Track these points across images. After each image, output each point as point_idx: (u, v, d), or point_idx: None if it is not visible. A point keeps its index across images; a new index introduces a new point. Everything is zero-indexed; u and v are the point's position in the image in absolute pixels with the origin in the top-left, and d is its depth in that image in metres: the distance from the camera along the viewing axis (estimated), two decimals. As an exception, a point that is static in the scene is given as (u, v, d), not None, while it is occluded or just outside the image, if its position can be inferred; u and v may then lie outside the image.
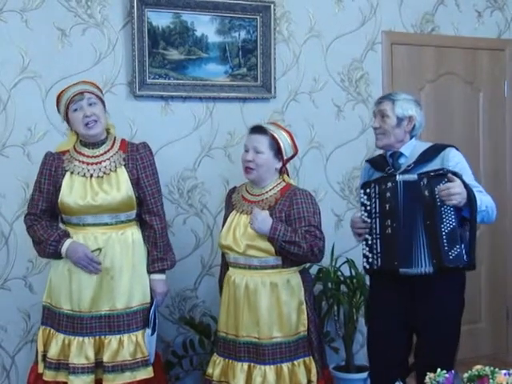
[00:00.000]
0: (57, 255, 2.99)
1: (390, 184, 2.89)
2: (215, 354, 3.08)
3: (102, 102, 3.06)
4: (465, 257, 2.82)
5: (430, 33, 4.37)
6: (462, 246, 2.81)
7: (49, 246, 2.98)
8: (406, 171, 2.93)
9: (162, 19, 3.70)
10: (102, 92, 3.14)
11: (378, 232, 2.92)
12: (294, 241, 2.86)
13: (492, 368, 1.99)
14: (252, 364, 2.94)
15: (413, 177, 2.86)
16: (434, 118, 4.33)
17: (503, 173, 4.66)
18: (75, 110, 2.98)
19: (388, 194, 2.88)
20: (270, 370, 2.90)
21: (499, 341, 4.67)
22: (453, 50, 4.43)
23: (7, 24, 3.46)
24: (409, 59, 4.33)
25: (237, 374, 2.93)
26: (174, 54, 3.74)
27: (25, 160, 3.52)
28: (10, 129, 3.50)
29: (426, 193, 2.82)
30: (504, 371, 2.00)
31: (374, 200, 2.93)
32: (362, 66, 4.20)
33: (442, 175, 2.82)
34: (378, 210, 2.92)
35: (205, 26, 3.79)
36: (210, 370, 3.05)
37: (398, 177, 2.88)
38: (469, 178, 2.93)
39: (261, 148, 2.96)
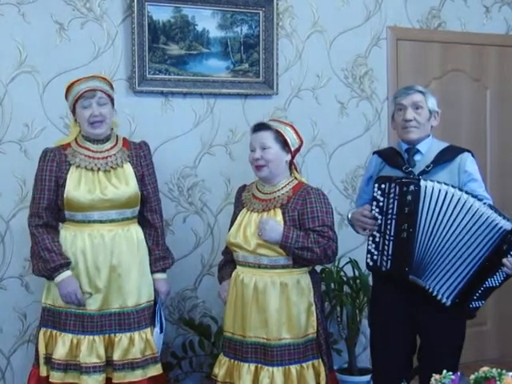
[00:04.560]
0: (47, 277, 2.96)
1: (412, 187, 2.79)
2: (221, 354, 3.03)
3: (112, 100, 3.03)
4: (477, 311, 2.84)
5: (437, 28, 4.30)
6: (485, 302, 2.82)
7: (45, 270, 2.92)
8: (424, 172, 2.87)
9: (162, 13, 3.63)
10: (113, 88, 3.10)
11: (391, 234, 2.83)
12: (307, 246, 2.82)
13: (499, 370, 1.93)
14: (259, 365, 2.89)
15: (506, 225, 2.72)
16: (440, 116, 4.22)
17: (510, 171, 4.57)
18: (84, 107, 2.95)
19: (409, 197, 2.79)
20: (277, 372, 2.85)
21: (505, 344, 4.59)
22: (460, 46, 4.35)
23: (4, 17, 3.40)
24: (414, 55, 4.26)
25: (243, 375, 2.89)
26: (175, 49, 3.68)
27: (22, 156, 3.46)
28: (7, 124, 3.44)
29: (505, 247, 2.72)
30: (511, 373, 1.94)
31: (391, 199, 2.83)
32: (367, 63, 4.13)
33: None
34: (395, 212, 2.82)
35: (206, 20, 3.72)
36: (215, 370, 3.01)
37: (421, 181, 2.79)
38: (481, 188, 2.91)
39: (267, 143, 2.91)
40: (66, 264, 2.92)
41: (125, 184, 2.97)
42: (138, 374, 2.95)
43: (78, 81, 3.01)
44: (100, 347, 2.92)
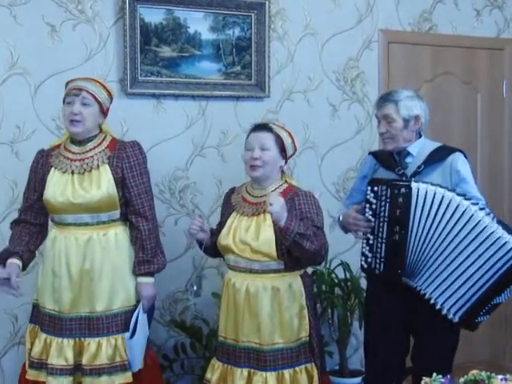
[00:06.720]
0: None
1: (403, 190, 2.78)
2: (214, 358, 3.02)
3: (100, 104, 2.97)
4: (480, 324, 2.84)
5: (428, 31, 4.31)
6: (489, 316, 2.83)
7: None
8: (416, 173, 2.87)
9: (154, 15, 3.64)
10: (110, 96, 3.03)
11: (383, 236, 2.83)
12: (308, 234, 2.73)
13: (488, 373, 1.94)
14: (252, 370, 2.87)
15: None
16: (431, 118, 4.16)
17: (501, 174, 4.59)
18: (68, 103, 2.95)
19: (400, 200, 2.78)
20: (271, 377, 2.84)
21: (496, 346, 4.61)
22: (451, 49, 4.36)
23: (-5, 19, 3.41)
24: (406, 58, 4.27)
25: (236, 380, 2.87)
26: (167, 51, 3.68)
27: (13, 158, 3.46)
28: (-2, 126, 3.45)
29: None
30: (500, 376, 1.96)
31: (383, 202, 2.83)
32: (358, 65, 4.14)
33: None
34: (386, 214, 2.82)
35: (198, 22, 3.73)
36: (208, 375, 2.99)
37: (412, 184, 2.79)
38: (473, 190, 2.89)
39: (267, 145, 2.90)
40: (9, 255, 2.92)
41: (96, 187, 2.90)
42: (103, 381, 2.90)
43: (72, 80, 3.01)
44: (68, 350, 2.90)
